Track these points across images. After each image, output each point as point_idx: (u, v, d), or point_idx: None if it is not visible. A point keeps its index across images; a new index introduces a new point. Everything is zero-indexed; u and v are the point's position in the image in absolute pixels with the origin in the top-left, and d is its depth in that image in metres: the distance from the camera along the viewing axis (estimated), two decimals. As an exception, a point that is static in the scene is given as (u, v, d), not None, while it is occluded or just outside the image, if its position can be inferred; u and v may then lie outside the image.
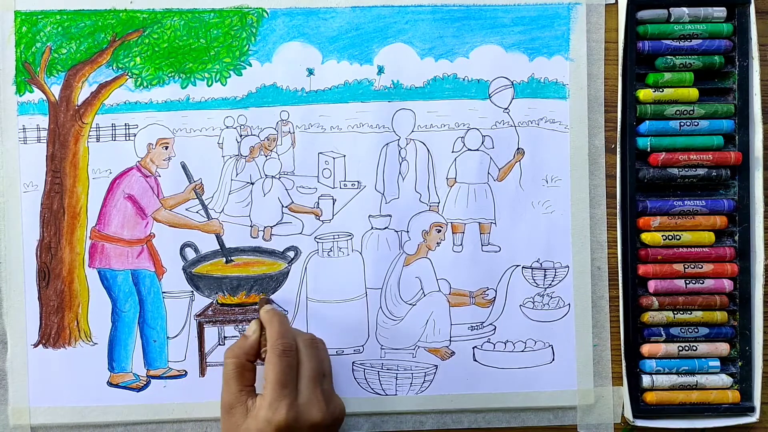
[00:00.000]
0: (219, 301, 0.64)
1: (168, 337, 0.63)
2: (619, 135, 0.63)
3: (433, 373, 0.64)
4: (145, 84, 0.63)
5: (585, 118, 0.64)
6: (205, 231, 0.64)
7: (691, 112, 0.63)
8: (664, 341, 0.63)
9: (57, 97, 0.63)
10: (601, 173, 0.64)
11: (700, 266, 0.63)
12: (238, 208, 0.64)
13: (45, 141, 0.63)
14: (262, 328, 0.56)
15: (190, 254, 0.63)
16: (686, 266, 0.63)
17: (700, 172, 0.63)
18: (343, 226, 0.64)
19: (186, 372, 0.63)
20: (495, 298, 0.64)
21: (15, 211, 0.62)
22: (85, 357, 0.62)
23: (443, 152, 0.64)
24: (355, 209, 0.64)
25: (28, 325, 0.62)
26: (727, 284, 0.63)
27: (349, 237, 0.64)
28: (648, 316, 0.63)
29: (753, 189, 0.63)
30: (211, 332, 0.63)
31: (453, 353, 0.64)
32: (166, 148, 0.63)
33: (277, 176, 0.64)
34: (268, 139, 0.64)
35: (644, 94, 0.63)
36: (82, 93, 0.63)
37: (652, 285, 0.63)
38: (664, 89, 0.63)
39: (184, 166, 0.64)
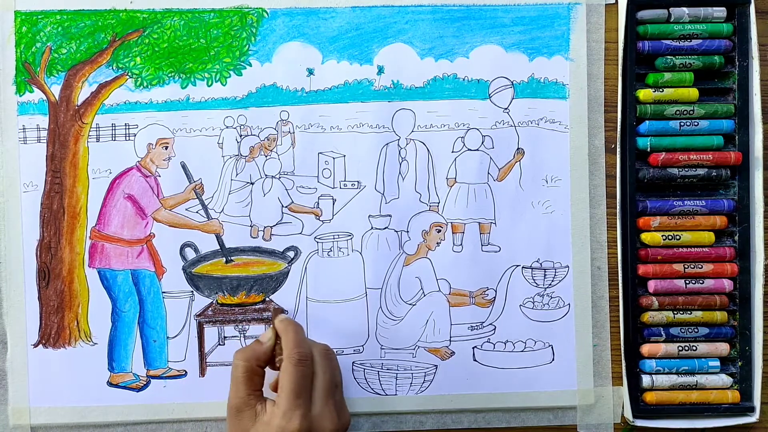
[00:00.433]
0: (219, 301, 0.64)
1: (168, 337, 0.63)
2: (619, 135, 0.63)
3: (433, 373, 0.64)
4: (145, 84, 0.63)
5: (585, 118, 0.64)
6: (205, 231, 0.64)
7: (691, 112, 0.63)
8: (664, 341, 0.63)
9: (57, 97, 0.63)
10: (601, 173, 0.64)
11: (700, 266, 0.63)
12: (238, 208, 0.64)
13: (45, 141, 0.63)
14: (277, 336, 0.56)
15: (190, 254, 0.63)
16: (686, 266, 0.63)
17: (700, 172, 0.63)
18: (343, 226, 0.64)
19: (186, 372, 0.63)
20: (495, 298, 0.64)
21: (15, 211, 0.62)
22: (85, 357, 0.62)
23: (443, 152, 0.64)
24: (355, 209, 0.64)
25: (28, 325, 0.62)
26: (727, 284, 0.63)
27: (349, 237, 0.64)
28: (648, 316, 0.63)
29: (753, 189, 0.63)
30: (211, 332, 0.63)
31: (453, 353, 0.64)
32: (166, 148, 0.63)
33: (277, 176, 0.64)
34: (268, 139, 0.64)
35: (644, 94, 0.63)
36: (82, 93, 0.63)
37: (652, 285, 0.63)
38: (664, 89, 0.63)
39: (184, 166, 0.64)
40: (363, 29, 0.64)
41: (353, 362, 0.63)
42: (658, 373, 0.63)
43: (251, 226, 0.64)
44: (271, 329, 0.57)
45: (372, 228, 0.64)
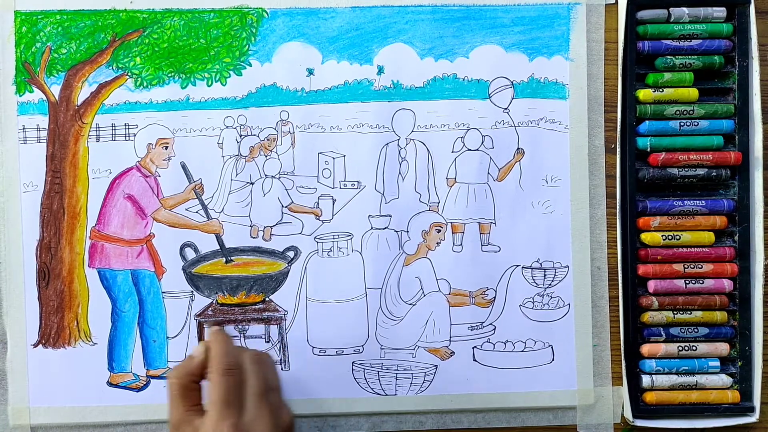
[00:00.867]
0: (219, 301, 0.64)
1: (168, 337, 0.63)
2: (619, 135, 0.63)
3: (433, 373, 0.64)
4: (145, 84, 0.63)
5: (585, 118, 0.64)
6: (204, 231, 0.64)
7: (691, 112, 0.63)
8: (663, 341, 0.63)
9: (57, 97, 0.63)
10: (601, 173, 0.64)
11: (700, 266, 0.63)
12: (238, 208, 0.64)
13: (45, 141, 0.63)
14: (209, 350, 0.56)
15: (190, 254, 0.63)
16: (686, 266, 0.63)
17: (700, 172, 0.63)
18: (343, 226, 0.64)
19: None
20: (495, 298, 0.64)
21: (15, 211, 0.62)
22: (85, 357, 0.62)
23: (443, 152, 0.64)
24: (355, 209, 0.64)
25: (28, 325, 0.62)
26: (727, 284, 0.63)
27: (349, 237, 0.64)
28: (648, 316, 0.63)
29: (753, 189, 0.63)
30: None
31: (453, 353, 0.64)
32: (166, 148, 0.63)
33: (277, 176, 0.64)
34: (268, 139, 0.64)
35: (644, 94, 0.63)
36: (82, 93, 0.63)
37: (652, 285, 0.63)
38: (664, 89, 0.63)
39: (184, 166, 0.64)
40: (363, 29, 0.64)
41: (353, 362, 0.63)
42: (658, 373, 0.63)
43: (251, 226, 0.64)
44: (203, 343, 0.55)
45: (372, 228, 0.64)
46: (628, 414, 0.63)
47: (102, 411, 0.62)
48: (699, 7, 0.62)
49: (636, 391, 0.63)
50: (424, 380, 0.63)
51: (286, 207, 0.64)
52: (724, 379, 0.63)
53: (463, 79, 0.64)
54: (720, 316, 0.63)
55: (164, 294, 0.63)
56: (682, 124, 0.63)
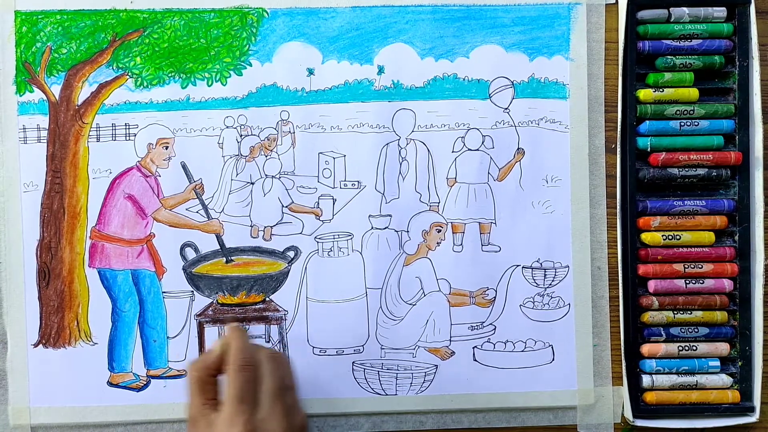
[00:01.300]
0: (219, 301, 0.64)
1: (168, 337, 0.63)
2: (619, 135, 0.63)
3: (433, 373, 0.64)
4: (145, 84, 0.63)
5: (585, 118, 0.64)
6: (205, 231, 0.64)
7: (691, 112, 0.63)
8: (664, 341, 0.63)
9: (57, 97, 0.63)
10: (601, 173, 0.64)
11: (700, 266, 0.63)
12: (238, 208, 0.64)
13: (45, 141, 0.63)
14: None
15: (190, 254, 0.63)
16: (686, 266, 0.63)
17: (700, 172, 0.63)
18: (343, 226, 0.64)
19: (186, 372, 0.63)
20: (495, 298, 0.64)
21: (15, 211, 0.62)
22: (85, 357, 0.62)
23: (443, 152, 0.64)
24: (355, 209, 0.64)
25: (28, 325, 0.62)
26: (727, 284, 0.63)
27: (349, 237, 0.64)
28: (648, 316, 0.63)
29: (753, 189, 0.63)
30: (211, 332, 0.63)
31: (453, 353, 0.64)
32: (166, 148, 0.63)
33: (277, 176, 0.64)
34: (268, 139, 0.64)
35: (644, 94, 0.63)
36: (82, 93, 0.63)
37: (652, 285, 0.63)
38: (665, 89, 0.63)
39: (184, 166, 0.64)
40: (363, 29, 0.64)
41: (353, 362, 0.63)
42: (658, 373, 0.63)
43: (251, 226, 0.64)
44: (222, 338, 0.56)
45: (372, 228, 0.64)
46: (629, 414, 0.63)
47: (102, 411, 0.62)
48: (699, 7, 0.63)
49: (636, 391, 0.63)
50: (425, 380, 0.63)
51: (286, 207, 0.64)
52: (725, 379, 0.63)
53: (464, 79, 0.64)
54: (720, 316, 0.63)
55: (164, 294, 0.63)
56: (682, 124, 0.63)
